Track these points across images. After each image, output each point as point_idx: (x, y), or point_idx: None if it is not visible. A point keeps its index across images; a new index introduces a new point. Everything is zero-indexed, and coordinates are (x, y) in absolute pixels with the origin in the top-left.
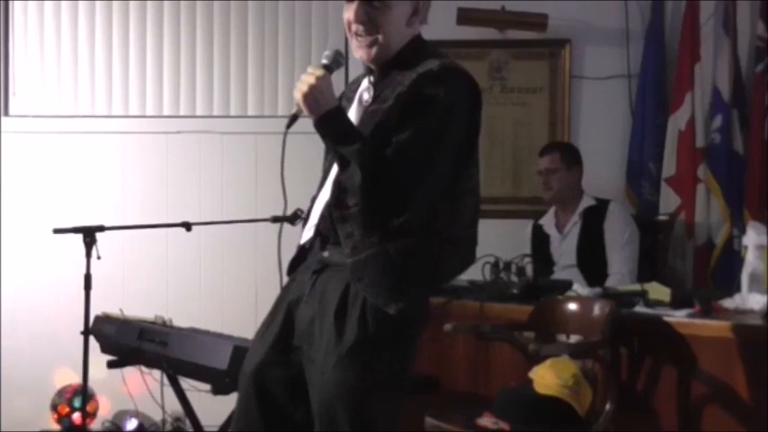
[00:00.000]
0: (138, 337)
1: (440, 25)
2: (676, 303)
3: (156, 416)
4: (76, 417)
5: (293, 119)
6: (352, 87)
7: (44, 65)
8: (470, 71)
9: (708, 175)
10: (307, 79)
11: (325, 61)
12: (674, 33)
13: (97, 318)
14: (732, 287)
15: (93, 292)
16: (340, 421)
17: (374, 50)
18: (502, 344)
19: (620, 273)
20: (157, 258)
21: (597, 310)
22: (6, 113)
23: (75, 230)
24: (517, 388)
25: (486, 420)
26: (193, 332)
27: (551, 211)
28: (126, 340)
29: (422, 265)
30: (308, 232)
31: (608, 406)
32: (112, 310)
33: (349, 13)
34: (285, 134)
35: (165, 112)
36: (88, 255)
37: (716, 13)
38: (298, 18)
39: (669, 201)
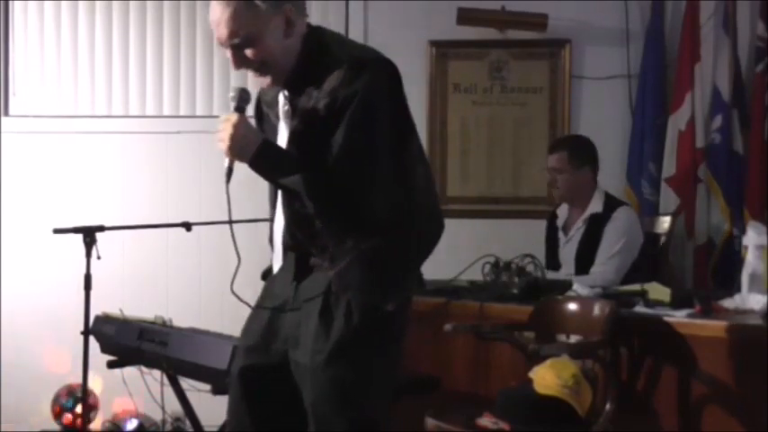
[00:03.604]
0: (138, 337)
1: (440, 25)
2: (676, 303)
3: (156, 416)
4: (76, 417)
5: (229, 172)
6: (269, 94)
7: (44, 65)
8: (470, 71)
9: (708, 175)
10: (224, 131)
11: (234, 104)
12: (674, 33)
13: (97, 318)
14: (732, 287)
15: (93, 292)
16: (336, 418)
17: (270, 78)
18: (502, 344)
19: (597, 273)
20: (157, 258)
21: (597, 310)
22: (6, 113)
23: (76, 230)
24: (517, 388)
25: (486, 420)
26: (193, 332)
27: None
28: (126, 340)
29: (401, 253)
30: (277, 256)
31: (608, 406)
32: (112, 310)
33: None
34: (227, 189)
35: (165, 112)
36: (88, 255)
37: (716, 13)
38: None
39: (669, 201)
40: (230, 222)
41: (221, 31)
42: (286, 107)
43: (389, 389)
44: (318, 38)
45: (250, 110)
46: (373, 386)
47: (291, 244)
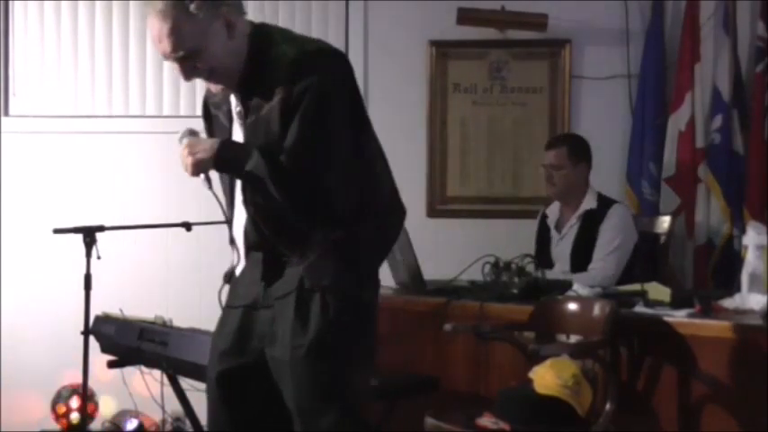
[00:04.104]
0: (138, 337)
1: (440, 25)
2: (676, 303)
3: (156, 416)
4: (76, 417)
5: (208, 180)
6: (217, 96)
7: (44, 65)
8: (470, 71)
9: (708, 174)
10: (184, 157)
11: (186, 140)
12: (674, 33)
13: (97, 318)
14: (732, 287)
15: (93, 292)
16: (322, 410)
17: (220, 83)
18: (502, 344)
19: (596, 269)
20: (157, 258)
21: (597, 310)
22: (6, 113)
23: (76, 230)
24: (517, 388)
25: (486, 420)
26: (193, 332)
27: (557, 201)
28: (126, 340)
29: (369, 242)
30: (240, 256)
31: (608, 406)
32: (112, 310)
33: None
34: (214, 193)
35: (165, 112)
36: (88, 255)
37: (716, 13)
38: (298, 17)
39: (669, 201)
40: (228, 222)
41: (164, 46)
42: (238, 108)
43: (370, 375)
44: (264, 35)
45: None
46: (355, 375)
47: (256, 242)
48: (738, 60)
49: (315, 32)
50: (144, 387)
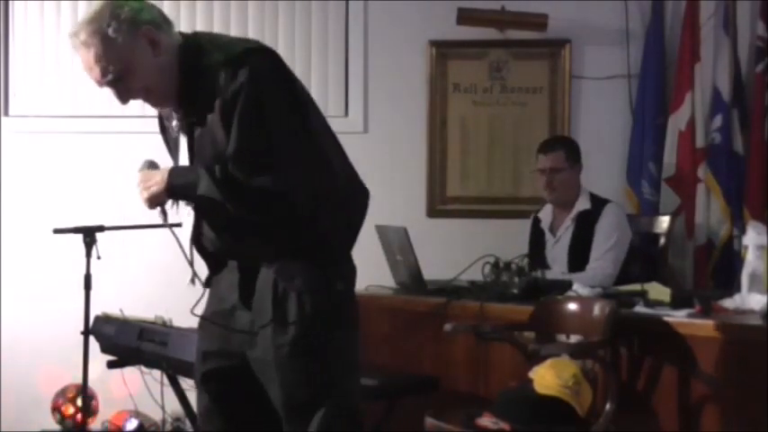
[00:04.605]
0: (138, 337)
1: (440, 25)
2: (676, 303)
3: (156, 416)
4: (76, 417)
5: (164, 214)
6: (166, 114)
7: (44, 65)
8: (470, 71)
9: (708, 175)
10: (140, 193)
11: (146, 169)
12: (674, 33)
13: (97, 318)
14: (732, 287)
15: (93, 292)
16: (312, 406)
17: (159, 102)
18: (502, 344)
19: (595, 268)
20: (157, 258)
21: (597, 310)
22: (6, 113)
23: (76, 230)
24: (517, 388)
25: (486, 420)
26: (193, 332)
27: (549, 205)
28: (126, 340)
29: (334, 231)
30: (209, 262)
31: (608, 406)
32: (112, 310)
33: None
34: (169, 228)
35: None
36: (88, 255)
37: (716, 13)
38: (298, 17)
39: (669, 201)
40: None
41: (94, 73)
42: (175, 122)
43: (356, 366)
44: (194, 46)
45: None
46: (341, 367)
47: (226, 258)
48: (738, 60)
49: (315, 32)
50: (144, 387)
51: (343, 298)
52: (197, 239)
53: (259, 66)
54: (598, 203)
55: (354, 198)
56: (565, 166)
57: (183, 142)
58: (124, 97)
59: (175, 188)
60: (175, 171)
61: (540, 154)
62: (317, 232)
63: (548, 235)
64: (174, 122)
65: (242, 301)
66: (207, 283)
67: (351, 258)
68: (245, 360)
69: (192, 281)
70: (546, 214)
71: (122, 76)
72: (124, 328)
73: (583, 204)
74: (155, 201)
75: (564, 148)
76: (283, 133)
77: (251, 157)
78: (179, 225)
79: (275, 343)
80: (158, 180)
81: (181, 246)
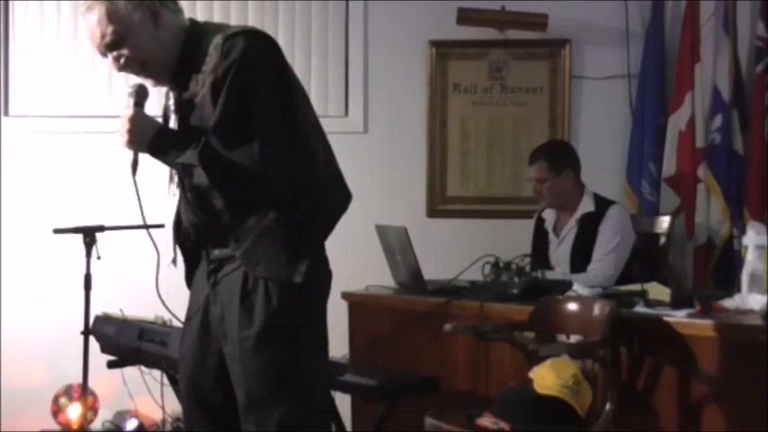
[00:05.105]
0: (138, 337)
1: (440, 25)
2: (676, 303)
3: (156, 416)
4: (76, 417)
5: (134, 164)
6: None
7: (44, 65)
8: (470, 71)
9: (708, 175)
10: (122, 127)
11: (132, 99)
12: (674, 33)
13: (97, 318)
14: (732, 287)
15: (93, 292)
16: (275, 400)
17: (154, 76)
18: (502, 344)
19: (596, 269)
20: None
21: (597, 310)
22: (6, 113)
23: (76, 230)
24: (517, 388)
25: (486, 420)
26: None
27: None
28: (126, 340)
29: (305, 223)
30: (188, 258)
31: (608, 406)
32: (112, 310)
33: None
34: (135, 181)
35: None
36: (88, 255)
37: (716, 13)
38: (298, 17)
39: (669, 201)
40: (146, 227)
41: (94, 38)
42: (171, 101)
43: (322, 361)
44: (198, 29)
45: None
46: (305, 361)
47: (198, 235)
48: (738, 60)
49: (315, 32)
50: (144, 387)
51: (310, 290)
52: (177, 226)
53: (253, 45)
54: (602, 205)
55: (334, 195)
56: (548, 176)
57: (172, 120)
58: (120, 66)
59: (158, 151)
60: (163, 134)
61: (528, 164)
62: (286, 222)
63: (551, 236)
64: (171, 101)
65: (211, 288)
66: (189, 283)
67: (323, 252)
68: (222, 359)
69: (174, 261)
70: (549, 215)
71: (120, 41)
72: (124, 328)
73: (586, 206)
74: (132, 147)
75: (546, 158)
76: (266, 112)
77: (231, 129)
78: (161, 226)
79: (241, 335)
80: (146, 132)
81: (154, 243)
